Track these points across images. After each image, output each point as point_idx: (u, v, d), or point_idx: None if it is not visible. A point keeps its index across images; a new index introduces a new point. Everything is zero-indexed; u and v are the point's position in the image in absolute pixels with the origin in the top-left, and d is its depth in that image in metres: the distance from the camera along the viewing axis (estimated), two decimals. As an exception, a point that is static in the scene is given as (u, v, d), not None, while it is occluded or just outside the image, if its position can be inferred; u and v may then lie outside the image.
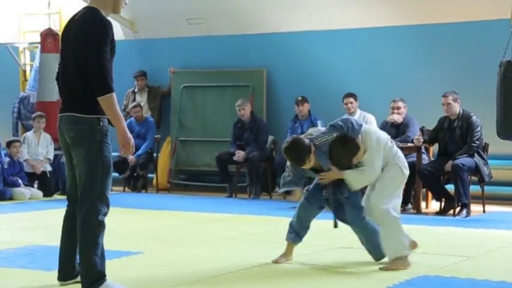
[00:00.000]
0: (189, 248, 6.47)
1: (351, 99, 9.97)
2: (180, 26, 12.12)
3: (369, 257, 5.67)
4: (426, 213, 9.11)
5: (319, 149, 5.39)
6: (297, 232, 5.68)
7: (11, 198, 10.40)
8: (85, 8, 4.56)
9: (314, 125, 10.60)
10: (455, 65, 10.41)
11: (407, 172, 5.55)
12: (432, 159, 9.46)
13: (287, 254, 5.71)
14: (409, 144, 9.08)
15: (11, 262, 5.69)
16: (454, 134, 8.95)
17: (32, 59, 13.18)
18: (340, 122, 5.47)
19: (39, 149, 11.19)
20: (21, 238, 6.89)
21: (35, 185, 11.05)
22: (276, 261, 5.66)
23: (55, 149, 11.18)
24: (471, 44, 10.34)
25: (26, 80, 13.12)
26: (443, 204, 9.05)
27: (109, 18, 4.51)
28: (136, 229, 7.64)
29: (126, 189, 11.74)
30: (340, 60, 11.13)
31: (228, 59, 11.87)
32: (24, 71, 13.33)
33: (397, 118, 9.43)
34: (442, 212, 8.98)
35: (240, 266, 5.51)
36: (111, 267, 4.65)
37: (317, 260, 5.74)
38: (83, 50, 4.39)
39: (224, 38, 11.97)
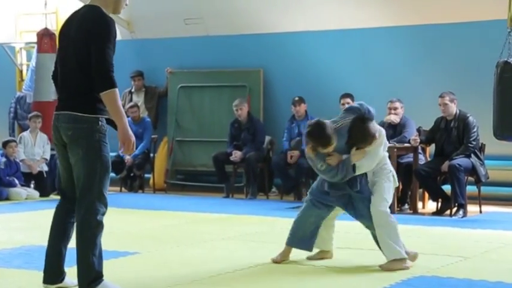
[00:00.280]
0: (186, 248, 6.47)
1: (348, 100, 9.97)
2: (177, 26, 12.12)
3: (366, 257, 5.68)
4: (423, 214, 9.12)
5: (339, 132, 5.40)
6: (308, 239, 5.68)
7: (7, 199, 10.38)
8: (86, 6, 4.54)
9: (311, 125, 10.62)
10: (451, 65, 10.42)
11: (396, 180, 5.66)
12: (429, 159, 9.47)
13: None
14: (406, 145, 9.09)
15: (7, 262, 5.69)
16: (451, 135, 8.96)
17: (29, 59, 13.17)
18: (356, 105, 5.53)
19: (35, 149, 11.18)
20: (18, 238, 6.89)
21: (32, 185, 11.04)
22: (275, 260, 5.67)
23: (51, 149, 11.16)
24: (468, 45, 10.34)
25: (22, 80, 13.12)
26: (439, 204, 9.05)
27: (109, 17, 4.51)
28: (133, 229, 7.64)
29: (123, 189, 11.73)
30: (337, 60, 11.13)
31: (225, 59, 11.87)
32: (21, 71, 13.32)
33: (394, 118, 9.43)
34: (438, 213, 8.99)
35: (237, 266, 5.51)
36: (108, 268, 4.64)
37: (313, 260, 5.74)
38: (85, 46, 4.36)
39: (221, 38, 11.96)
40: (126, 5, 4.65)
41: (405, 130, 9.33)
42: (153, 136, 11.87)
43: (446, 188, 8.99)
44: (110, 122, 4.50)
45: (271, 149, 11.13)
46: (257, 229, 7.65)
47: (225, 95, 11.74)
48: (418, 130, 9.23)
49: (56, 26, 12.27)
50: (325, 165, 5.43)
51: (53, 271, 4.64)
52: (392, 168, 5.66)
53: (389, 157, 5.90)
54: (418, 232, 7.19)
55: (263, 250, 6.23)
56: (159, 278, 5.16)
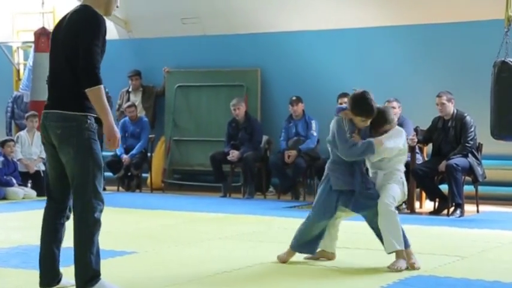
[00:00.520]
0: (183, 247, 6.47)
1: (345, 99, 9.94)
2: (174, 26, 12.11)
3: (364, 257, 5.67)
4: (420, 213, 9.12)
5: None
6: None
7: (4, 198, 10.37)
8: (78, 6, 4.56)
9: (308, 125, 10.63)
10: (449, 65, 10.42)
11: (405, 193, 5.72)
12: (426, 159, 9.47)
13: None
14: (404, 144, 9.09)
15: (4, 262, 5.68)
16: (448, 134, 8.96)
17: (26, 58, 13.16)
18: None
19: (32, 148, 11.17)
20: (15, 238, 6.88)
21: (29, 185, 11.02)
22: (281, 259, 5.68)
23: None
24: (465, 44, 10.35)
25: (19, 79, 13.10)
26: (437, 204, 9.06)
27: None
28: (131, 229, 7.63)
29: (120, 188, 11.72)
30: (334, 60, 11.13)
31: (222, 58, 11.86)
32: (18, 70, 13.31)
33: (392, 118, 9.42)
34: (436, 212, 8.99)
35: (234, 266, 5.50)
36: (105, 267, 4.63)
37: (311, 260, 5.74)
38: (74, 44, 4.37)
39: (218, 38, 11.96)
40: (117, 6, 4.66)
41: (403, 130, 9.33)
42: (150, 136, 11.87)
43: (444, 188, 9.00)
44: (98, 121, 4.49)
45: (269, 149, 11.13)
46: (254, 229, 7.65)
47: (222, 94, 11.74)
48: (416, 130, 9.23)
49: (53, 25, 12.18)
50: (350, 138, 5.49)
51: (49, 273, 4.62)
52: (404, 180, 5.67)
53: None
54: (415, 232, 7.18)
55: (260, 250, 6.23)
56: (157, 277, 5.16)
